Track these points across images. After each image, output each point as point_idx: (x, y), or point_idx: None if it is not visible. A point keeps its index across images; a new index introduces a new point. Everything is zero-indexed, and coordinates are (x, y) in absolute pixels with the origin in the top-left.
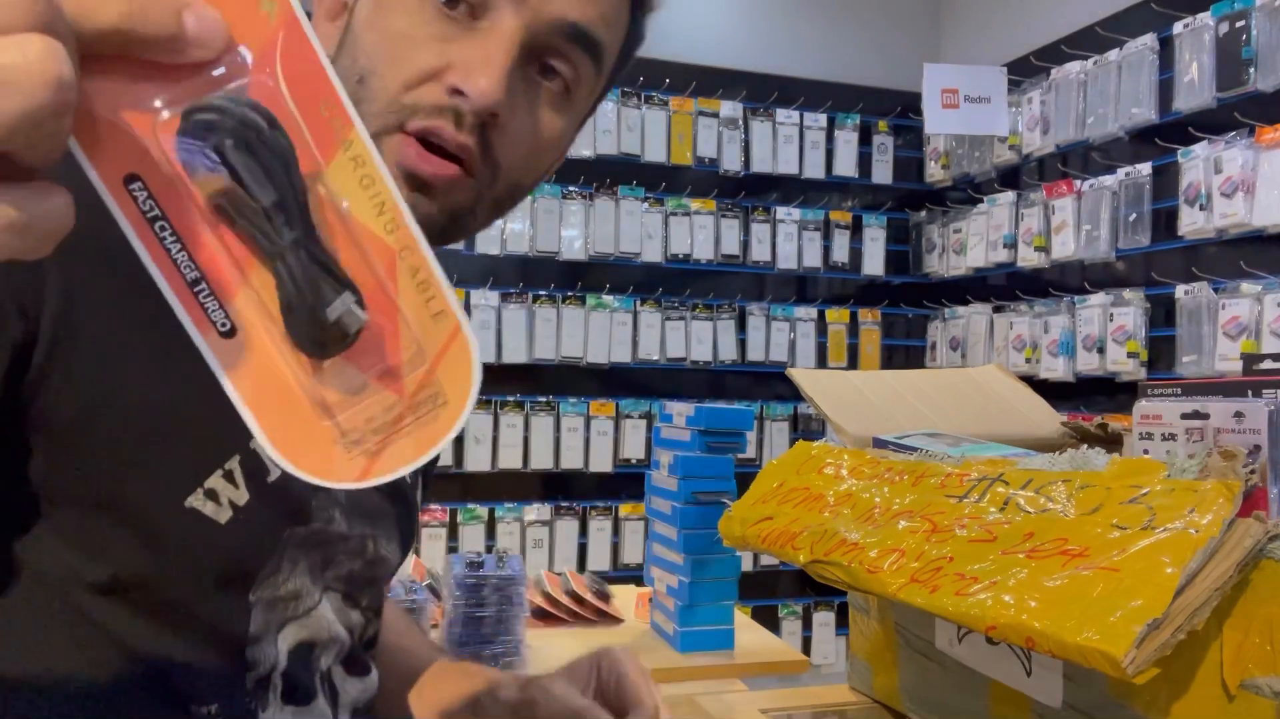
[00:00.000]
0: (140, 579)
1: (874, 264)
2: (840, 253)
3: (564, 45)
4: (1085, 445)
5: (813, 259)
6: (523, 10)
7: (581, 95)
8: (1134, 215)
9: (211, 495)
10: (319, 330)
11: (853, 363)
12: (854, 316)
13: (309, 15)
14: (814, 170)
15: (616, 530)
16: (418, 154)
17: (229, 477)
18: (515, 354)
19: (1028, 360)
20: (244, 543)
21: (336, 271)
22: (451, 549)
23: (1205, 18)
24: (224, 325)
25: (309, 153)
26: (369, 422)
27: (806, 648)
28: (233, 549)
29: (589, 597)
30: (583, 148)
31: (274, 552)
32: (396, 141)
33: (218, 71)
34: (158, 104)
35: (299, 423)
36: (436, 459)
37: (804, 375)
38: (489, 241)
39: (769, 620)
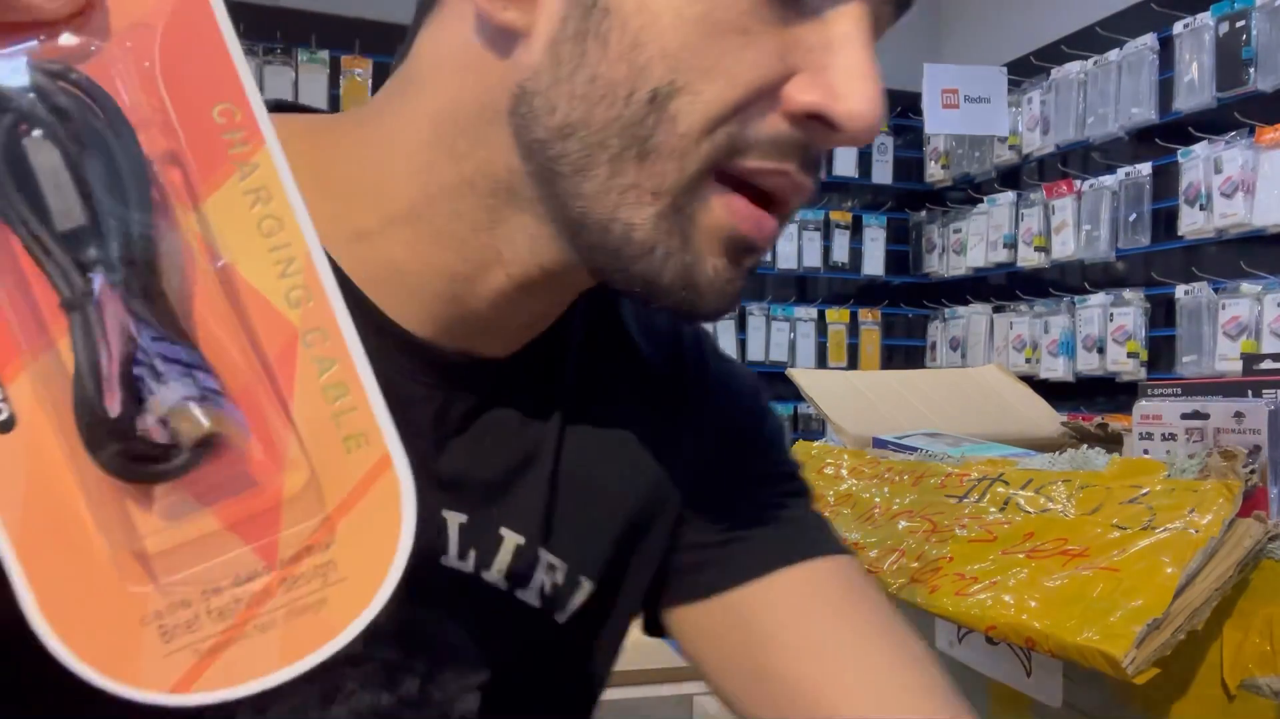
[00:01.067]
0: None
1: (874, 264)
2: (840, 253)
3: (888, 24)
4: (1085, 445)
5: (813, 259)
6: None
7: None
8: (1134, 215)
9: None
10: (129, 435)
11: (853, 363)
12: (854, 316)
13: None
14: None
15: None
16: (756, 219)
17: None
18: None
19: (1028, 360)
20: None
21: (174, 348)
22: None
23: (1205, 18)
24: None
25: (179, 173)
26: (209, 596)
27: None
28: None
29: None
30: None
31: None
32: (716, 196)
33: (60, 40)
34: None
35: (91, 582)
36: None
37: (804, 375)
38: None
39: None
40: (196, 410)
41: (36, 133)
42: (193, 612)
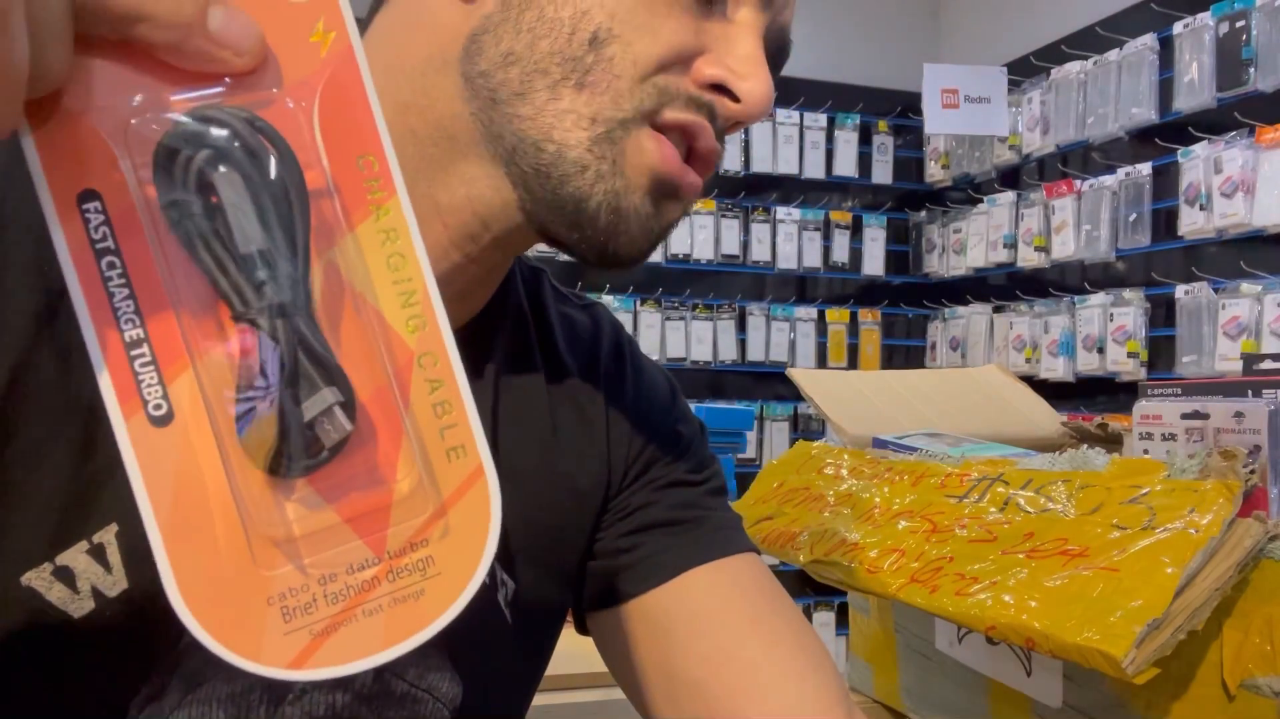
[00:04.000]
0: None
1: (874, 264)
2: (840, 253)
3: (774, 61)
4: (1085, 445)
5: (813, 259)
6: (768, 9)
7: None
8: (1134, 215)
9: (64, 576)
10: (284, 434)
11: (853, 363)
12: (854, 317)
13: None
14: (814, 170)
15: None
16: (683, 166)
17: (98, 553)
18: None
19: (1028, 360)
20: (106, 650)
21: (326, 360)
22: None
23: (1205, 18)
24: (158, 408)
25: (331, 210)
26: (325, 582)
27: None
28: (86, 658)
29: None
30: None
31: (156, 667)
32: (645, 138)
33: (243, 88)
34: (148, 111)
35: (226, 563)
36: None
37: (804, 375)
38: None
39: None
40: (341, 416)
41: (224, 168)
42: (311, 595)
